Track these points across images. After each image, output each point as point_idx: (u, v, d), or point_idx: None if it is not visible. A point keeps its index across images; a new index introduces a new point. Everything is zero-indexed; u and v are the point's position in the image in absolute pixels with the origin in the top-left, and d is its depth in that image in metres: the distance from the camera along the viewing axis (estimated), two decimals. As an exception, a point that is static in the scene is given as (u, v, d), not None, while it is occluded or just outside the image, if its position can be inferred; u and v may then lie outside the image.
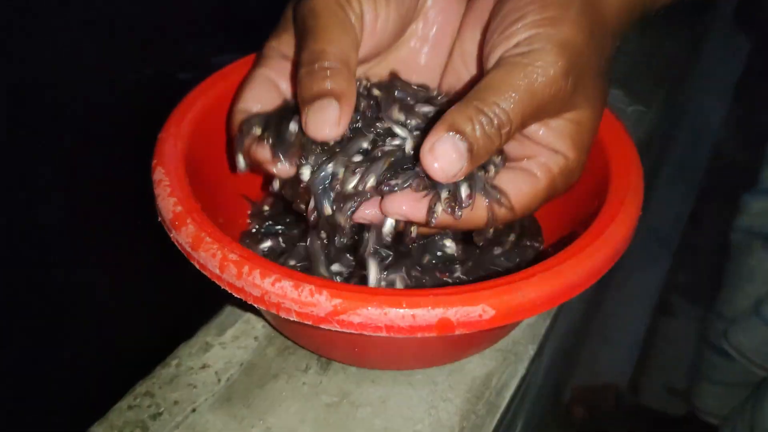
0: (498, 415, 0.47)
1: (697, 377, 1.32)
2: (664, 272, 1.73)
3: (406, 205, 0.37)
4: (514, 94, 0.35)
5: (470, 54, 0.46)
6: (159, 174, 0.42)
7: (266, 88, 0.44)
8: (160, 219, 0.41)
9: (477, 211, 0.38)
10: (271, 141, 0.40)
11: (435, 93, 0.47)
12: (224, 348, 0.50)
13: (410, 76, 0.48)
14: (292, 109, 0.42)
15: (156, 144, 0.45)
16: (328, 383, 0.47)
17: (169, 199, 0.40)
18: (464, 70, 0.47)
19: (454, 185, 0.36)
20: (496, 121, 0.35)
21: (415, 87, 0.47)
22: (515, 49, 0.37)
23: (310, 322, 0.34)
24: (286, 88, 0.44)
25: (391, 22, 0.44)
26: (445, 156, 0.35)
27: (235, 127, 0.42)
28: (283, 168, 0.39)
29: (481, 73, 0.42)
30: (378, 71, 0.49)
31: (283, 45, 0.44)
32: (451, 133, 0.35)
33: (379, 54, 0.47)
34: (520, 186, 0.39)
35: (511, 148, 0.42)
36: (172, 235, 0.39)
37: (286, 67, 0.44)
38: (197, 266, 0.38)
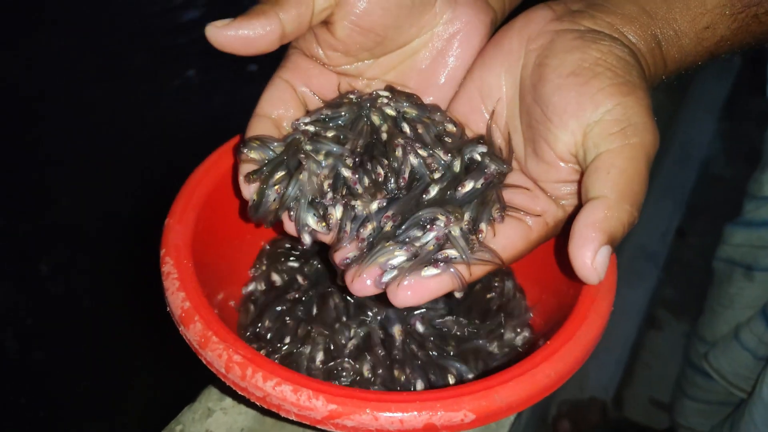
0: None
1: (679, 394, 1.37)
2: (651, 287, 1.77)
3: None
4: (640, 180, 0.38)
5: (489, 89, 0.47)
6: (168, 266, 0.45)
7: (283, 93, 0.48)
8: (168, 310, 0.44)
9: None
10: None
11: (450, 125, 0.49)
12: (225, 413, 0.53)
13: (424, 89, 0.50)
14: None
15: (163, 230, 0.48)
16: (323, 451, 0.51)
17: (178, 294, 0.43)
18: (479, 103, 0.48)
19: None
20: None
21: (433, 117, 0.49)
22: (609, 122, 0.38)
23: (308, 423, 0.38)
24: (304, 90, 0.49)
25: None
26: (604, 267, 0.36)
27: (250, 132, 0.46)
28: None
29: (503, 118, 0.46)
30: (392, 78, 0.51)
31: (303, 41, 0.48)
32: (608, 246, 0.36)
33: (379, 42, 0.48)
34: (513, 239, 0.43)
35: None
36: (180, 329, 0.43)
37: (307, 67, 0.49)
38: (204, 362, 0.41)
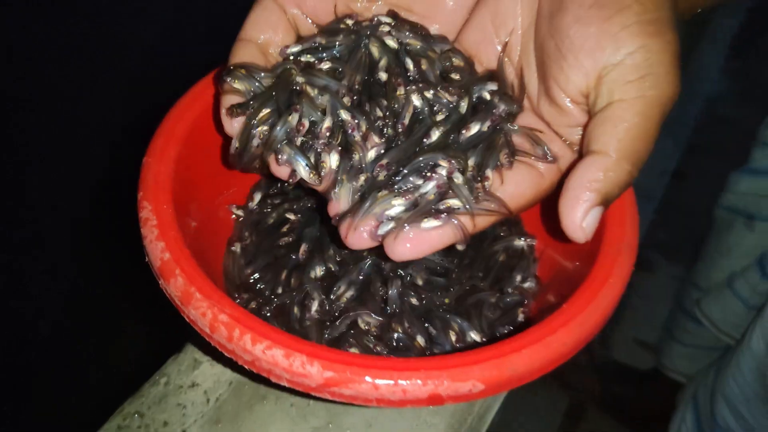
0: (479, 438, 0.49)
1: (667, 337, 1.38)
2: (644, 228, 1.75)
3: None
4: (648, 138, 0.35)
5: (504, 17, 0.42)
6: (146, 212, 0.40)
7: (271, 15, 0.42)
8: (147, 261, 0.40)
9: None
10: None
11: (452, 52, 0.44)
12: (213, 365, 0.50)
13: (431, 14, 0.45)
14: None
15: (141, 170, 0.43)
16: (315, 406, 0.48)
17: (157, 243, 0.39)
18: (492, 32, 0.43)
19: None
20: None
21: (439, 47, 0.44)
22: (629, 67, 0.35)
23: (301, 390, 0.35)
24: (296, 12, 0.43)
25: None
26: (593, 228, 0.35)
27: (234, 59, 0.41)
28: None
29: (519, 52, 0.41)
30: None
31: None
32: (601, 207, 0.35)
33: None
34: (523, 187, 0.40)
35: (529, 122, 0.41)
36: (160, 282, 0.39)
37: None
38: (187, 320, 0.37)
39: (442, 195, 0.38)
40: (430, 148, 0.40)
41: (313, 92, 0.41)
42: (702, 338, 1.29)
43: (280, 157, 0.40)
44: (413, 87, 0.41)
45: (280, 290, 0.51)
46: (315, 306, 0.49)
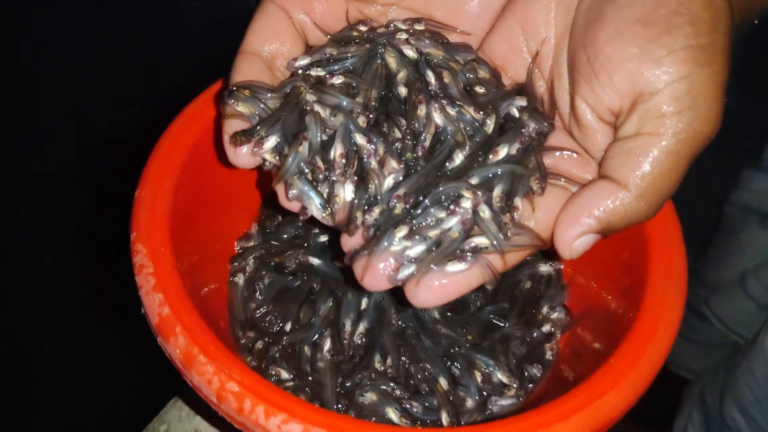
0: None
1: (673, 334, 1.36)
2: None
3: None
4: (674, 178, 0.32)
5: (535, 25, 0.38)
6: (141, 257, 0.36)
7: (277, 23, 0.38)
8: (143, 312, 0.36)
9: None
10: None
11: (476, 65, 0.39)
12: (217, 410, 0.46)
13: (452, 20, 0.41)
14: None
15: (133, 206, 0.39)
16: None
17: (154, 295, 0.35)
18: (521, 41, 0.39)
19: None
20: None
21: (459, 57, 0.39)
22: (667, 97, 0.31)
23: (323, 468, 0.31)
24: (303, 19, 0.39)
25: None
26: (582, 251, 0.34)
27: (236, 76, 0.36)
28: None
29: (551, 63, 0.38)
30: (414, 4, 0.41)
31: None
32: (598, 234, 0.33)
33: None
34: (556, 213, 0.35)
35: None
36: (158, 340, 0.34)
37: None
38: (189, 384, 0.33)
39: (467, 232, 0.34)
40: (453, 174, 0.36)
41: (324, 112, 0.36)
42: (709, 335, 1.26)
43: (290, 191, 0.35)
44: (435, 104, 0.37)
45: (288, 326, 0.47)
46: (327, 345, 0.45)
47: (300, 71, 0.38)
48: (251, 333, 0.46)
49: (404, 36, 0.39)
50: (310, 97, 0.37)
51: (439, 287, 0.34)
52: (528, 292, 0.49)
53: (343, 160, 0.35)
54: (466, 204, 0.34)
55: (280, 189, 0.36)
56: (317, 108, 0.36)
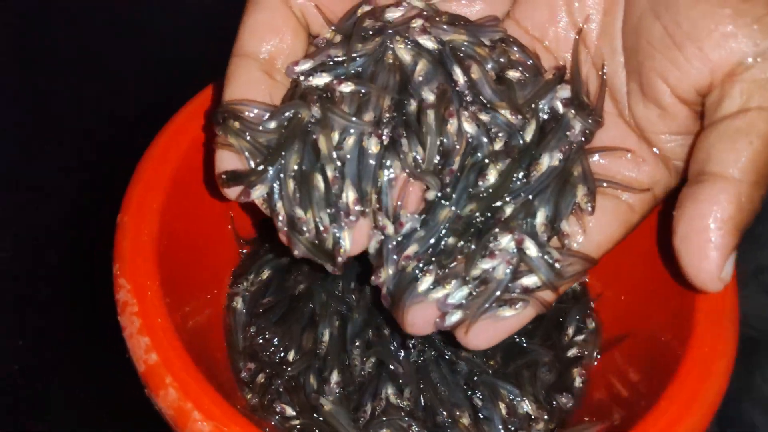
0: None
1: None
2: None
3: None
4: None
5: None
6: (124, 293, 0.32)
7: (274, 15, 0.33)
8: (128, 356, 0.31)
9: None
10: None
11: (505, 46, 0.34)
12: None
13: None
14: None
15: (116, 233, 0.34)
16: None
17: (140, 338, 0.30)
18: (562, 8, 0.34)
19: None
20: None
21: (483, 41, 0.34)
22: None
23: None
24: (303, 3, 0.33)
25: None
26: (731, 274, 0.28)
27: (229, 90, 0.32)
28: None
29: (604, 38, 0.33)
30: None
31: None
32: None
33: None
34: (611, 230, 0.33)
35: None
36: (146, 391, 0.30)
37: None
38: (183, 443, 0.29)
39: (513, 272, 0.31)
40: (487, 194, 0.32)
41: (335, 136, 0.32)
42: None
43: (295, 251, 0.32)
44: (465, 112, 0.32)
45: (292, 355, 0.42)
46: (335, 378, 0.41)
47: (301, 77, 0.33)
48: (251, 364, 0.41)
49: (419, 23, 0.34)
50: (313, 109, 0.32)
51: (491, 331, 0.32)
52: (553, 311, 0.45)
53: (358, 207, 0.31)
54: (507, 243, 0.31)
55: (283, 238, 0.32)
56: (323, 141, 0.32)
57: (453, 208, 0.31)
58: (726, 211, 0.27)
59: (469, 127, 0.32)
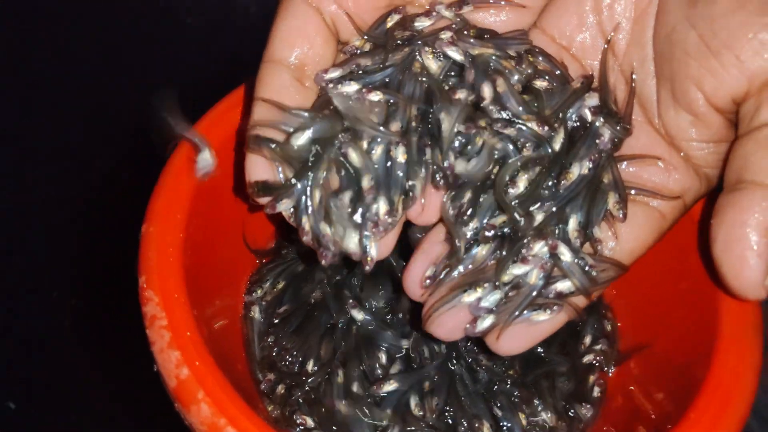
0: None
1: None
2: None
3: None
4: None
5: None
6: (152, 306, 0.31)
7: (306, 22, 0.33)
8: (155, 370, 0.31)
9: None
10: None
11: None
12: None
13: None
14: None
15: (140, 244, 0.34)
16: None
17: (170, 353, 0.30)
18: (590, 15, 0.34)
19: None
20: None
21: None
22: None
23: None
24: (334, 10, 0.33)
25: None
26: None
27: (261, 92, 0.32)
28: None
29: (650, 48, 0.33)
30: None
31: None
32: None
33: None
34: (642, 237, 0.33)
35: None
36: (176, 405, 0.30)
37: None
38: (216, 459, 0.29)
39: (547, 277, 0.31)
40: (516, 203, 0.32)
41: (363, 145, 0.32)
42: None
43: (324, 260, 0.32)
44: (490, 128, 0.32)
45: (311, 365, 0.42)
46: (355, 388, 0.41)
47: (330, 85, 0.33)
48: (271, 375, 0.41)
49: (448, 35, 0.34)
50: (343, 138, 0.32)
51: (524, 335, 0.32)
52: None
53: (389, 219, 0.31)
54: (540, 249, 0.31)
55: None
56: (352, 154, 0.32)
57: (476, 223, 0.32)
58: (766, 219, 0.27)
59: (495, 141, 0.32)
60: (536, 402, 0.41)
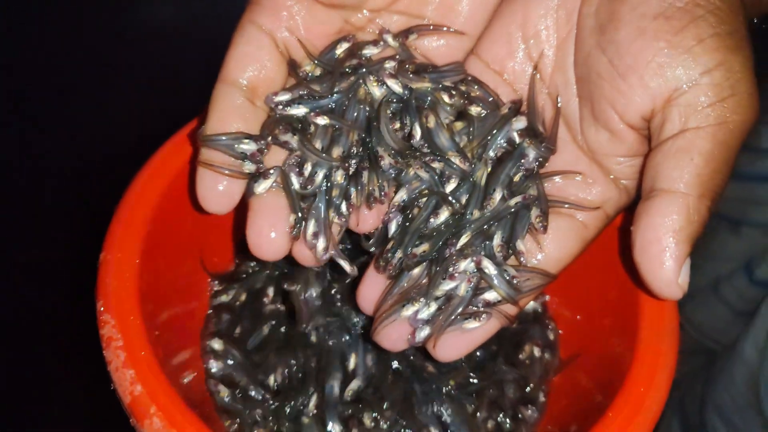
0: None
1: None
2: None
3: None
4: (727, 171, 0.30)
5: (534, 25, 0.36)
6: (108, 329, 0.34)
7: (258, 48, 0.35)
8: (112, 388, 0.33)
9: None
10: None
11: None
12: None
13: (445, 19, 0.38)
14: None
15: (99, 271, 0.36)
16: None
17: (125, 371, 0.32)
18: (519, 45, 0.37)
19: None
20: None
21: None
22: (706, 87, 0.30)
23: None
24: (286, 36, 0.35)
25: None
26: (688, 279, 0.31)
27: (213, 116, 0.34)
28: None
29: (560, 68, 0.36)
30: (404, 6, 0.38)
31: None
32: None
33: None
34: (566, 247, 0.35)
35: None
36: (131, 421, 0.32)
37: (286, 4, 0.35)
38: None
39: (475, 288, 0.34)
40: (438, 235, 0.35)
41: (307, 168, 0.35)
42: (684, 343, 1.27)
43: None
44: (417, 163, 0.35)
45: (271, 380, 0.44)
46: (313, 403, 0.43)
47: (280, 106, 0.36)
48: (229, 391, 0.43)
49: (391, 65, 0.37)
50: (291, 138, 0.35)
51: (458, 342, 0.34)
52: (514, 331, 0.48)
53: (320, 244, 0.34)
54: (467, 266, 0.33)
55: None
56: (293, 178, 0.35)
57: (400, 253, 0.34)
58: (677, 222, 0.29)
59: (421, 173, 0.35)
60: (484, 408, 0.43)
